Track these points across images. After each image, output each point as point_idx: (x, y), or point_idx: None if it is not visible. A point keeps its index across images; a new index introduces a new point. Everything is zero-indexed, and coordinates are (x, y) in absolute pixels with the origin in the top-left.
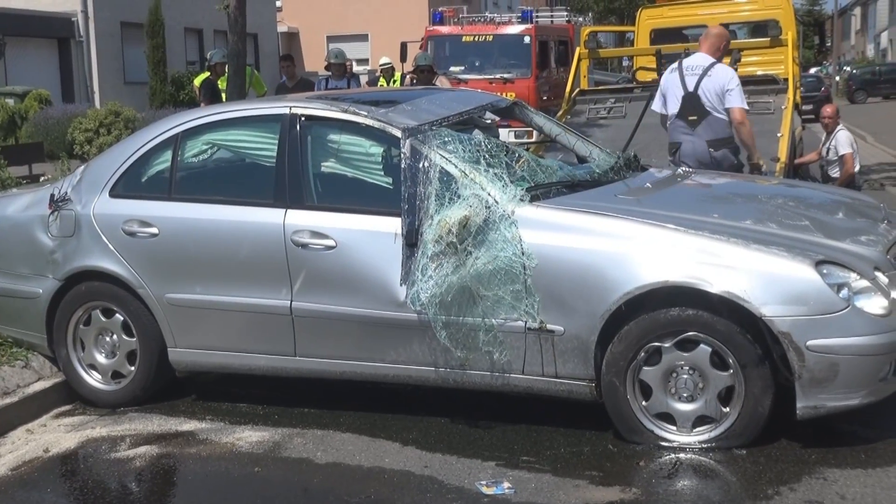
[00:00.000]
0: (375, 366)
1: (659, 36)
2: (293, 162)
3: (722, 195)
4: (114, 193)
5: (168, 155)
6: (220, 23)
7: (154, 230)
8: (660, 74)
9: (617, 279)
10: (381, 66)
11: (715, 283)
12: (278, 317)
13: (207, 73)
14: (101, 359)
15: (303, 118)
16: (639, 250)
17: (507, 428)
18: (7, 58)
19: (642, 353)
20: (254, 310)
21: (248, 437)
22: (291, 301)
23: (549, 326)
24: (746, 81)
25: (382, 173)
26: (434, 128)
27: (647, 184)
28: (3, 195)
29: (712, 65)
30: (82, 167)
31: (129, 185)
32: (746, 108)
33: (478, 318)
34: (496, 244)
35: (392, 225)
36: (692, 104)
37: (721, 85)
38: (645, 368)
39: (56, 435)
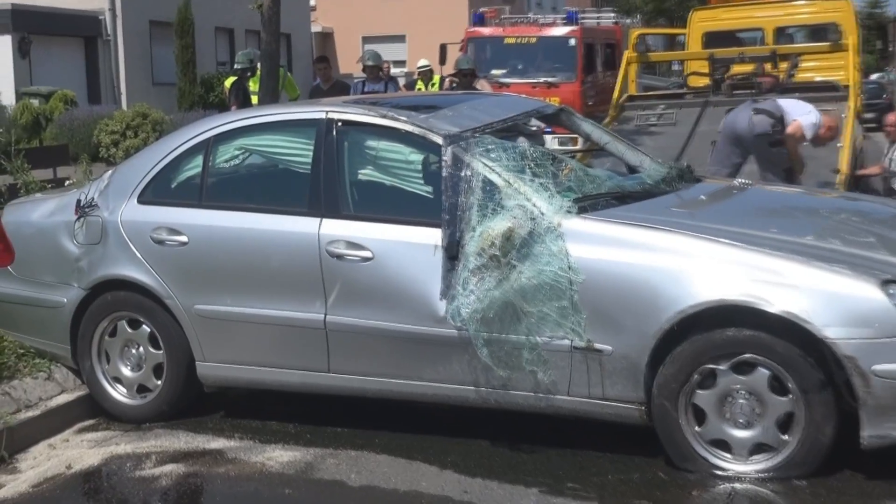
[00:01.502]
0: (413, 384)
1: (712, 39)
2: (329, 169)
3: (781, 209)
4: (142, 200)
5: (199, 160)
6: (252, 22)
7: (183, 238)
8: (712, 79)
9: (669, 297)
10: (419, 68)
11: (774, 303)
12: (311, 331)
13: (236, 76)
14: (126, 372)
15: (339, 123)
16: (693, 266)
17: (551, 452)
18: (32, 57)
19: (696, 376)
20: (286, 323)
21: (279, 456)
22: (325, 314)
23: (597, 345)
24: (805, 88)
25: (422, 182)
26: (477, 135)
27: (702, 196)
28: (27, 200)
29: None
30: (110, 172)
31: (159, 191)
32: (807, 136)
33: (521, 335)
34: (541, 258)
35: (432, 236)
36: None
37: (807, 107)
38: (699, 392)
39: (79, 451)
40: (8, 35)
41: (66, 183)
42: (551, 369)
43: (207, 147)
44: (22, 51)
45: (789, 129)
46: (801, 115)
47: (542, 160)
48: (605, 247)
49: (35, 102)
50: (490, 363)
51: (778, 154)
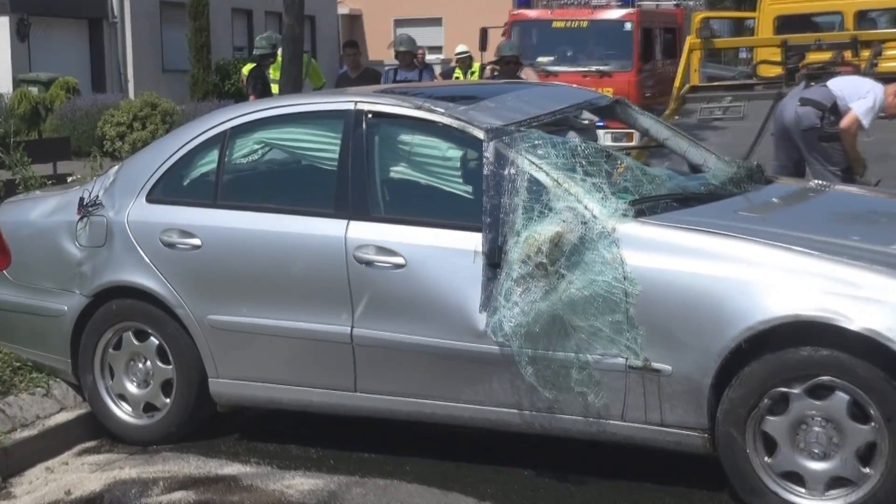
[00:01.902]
0: (448, 406)
1: (785, 24)
2: (358, 166)
3: (863, 214)
4: (151, 198)
5: (214, 155)
6: (273, 3)
7: (196, 241)
8: (785, 68)
9: (737, 311)
10: (457, 55)
11: (855, 319)
12: (337, 345)
13: (255, 63)
14: (132, 388)
15: (370, 115)
16: (763, 278)
17: (602, 484)
18: (31, 40)
19: (766, 400)
20: (309, 336)
21: (300, 484)
22: (352, 327)
23: (655, 365)
24: (888, 79)
25: (461, 181)
26: (522, 129)
27: (774, 199)
28: (25, 198)
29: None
30: (116, 167)
31: (170, 188)
32: (864, 125)
33: (570, 352)
34: (593, 266)
35: (471, 241)
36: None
37: (863, 87)
38: (769, 418)
39: (79, 475)
40: (5, 16)
41: (69, 179)
42: (603, 391)
43: (223, 141)
44: (20, 34)
45: (843, 123)
46: (855, 100)
47: (594, 157)
48: (664, 255)
49: (34, 90)
50: (535, 383)
51: (831, 151)
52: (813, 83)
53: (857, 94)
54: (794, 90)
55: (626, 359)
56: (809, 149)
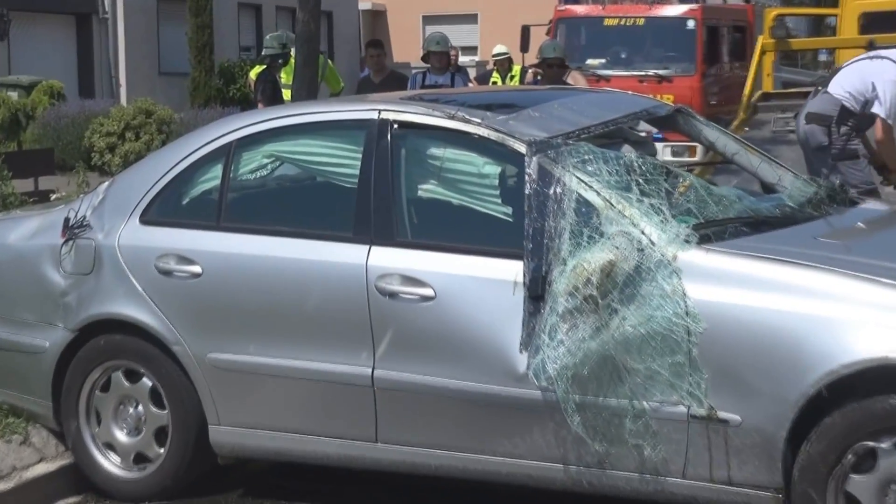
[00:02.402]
0: (483, 459)
1: (872, 21)
2: (381, 183)
3: None
4: (146, 220)
5: (217, 171)
6: None
7: (196, 269)
8: None
9: (817, 353)
10: (494, 56)
11: None
12: (356, 388)
13: (264, 65)
14: (121, 436)
15: (395, 126)
16: (847, 314)
17: None
18: (11, 39)
19: (850, 456)
20: (323, 378)
21: None
22: (373, 368)
23: (722, 414)
24: None
25: (499, 201)
26: (570, 142)
27: (859, 223)
28: (3, 217)
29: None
30: (106, 184)
31: (166, 209)
32: (890, 122)
33: (624, 399)
34: (651, 300)
35: (511, 270)
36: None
37: (866, 82)
38: (853, 477)
39: None
40: None
41: (52, 197)
42: (662, 444)
43: (228, 154)
44: None
45: (877, 136)
46: (863, 101)
47: (652, 175)
48: (733, 287)
49: (14, 95)
50: (583, 434)
51: (847, 170)
52: (821, 88)
53: (864, 93)
54: (808, 100)
55: (689, 407)
56: (829, 170)
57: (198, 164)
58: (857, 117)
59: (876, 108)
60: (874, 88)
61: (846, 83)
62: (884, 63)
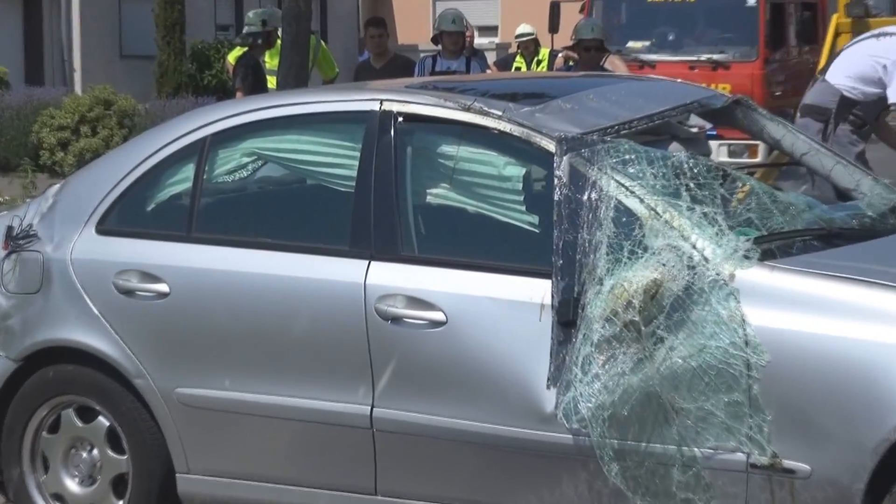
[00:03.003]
0: None
1: None
2: (383, 187)
3: None
4: (103, 229)
5: (188, 172)
6: None
7: (163, 287)
8: None
9: None
10: (518, 38)
11: None
12: (351, 431)
13: (245, 47)
14: (72, 486)
15: (400, 119)
16: None
17: None
18: None
19: None
20: (313, 419)
21: None
22: (372, 407)
23: (787, 463)
24: None
25: (523, 209)
26: (608, 139)
27: None
28: None
29: None
30: (57, 187)
31: (128, 216)
32: None
33: (671, 445)
34: (704, 327)
35: (536, 291)
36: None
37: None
38: None
39: None
40: None
41: None
42: (716, 498)
43: (202, 152)
44: None
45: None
46: (883, 84)
47: (706, 178)
48: (802, 312)
49: None
50: (622, 486)
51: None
52: (819, 76)
53: (870, 79)
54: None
55: (748, 454)
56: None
57: (165, 164)
58: (863, 107)
59: (892, 95)
60: (886, 71)
61: (848, 69)
62: (894, 41)
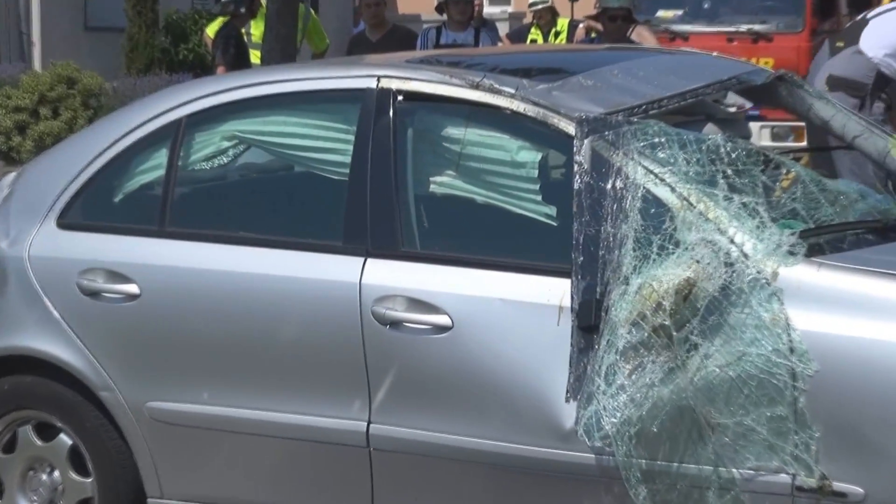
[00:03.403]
0: None
1: None
2: (380, 175)
3: None
4: (65, 223)
5: (161, 158)
6: None
7: (133, 288)
8: None
9: None
10: (532, 6)
11: None
12: (345, 449)
13: (226, 17)
14: None
15: (400, 97)
16: None
17: None
18: None
19: None
20: (303, 436)
21: None
22: (369, 422)
23: (838, 486)
24: None
25: (539, 199)
26: (635, 119)
27: None
28: None
29: None
30: (13, 176)
31: (93, 209)
32: None
33: (706, 465)
34: (743, 332)
35: (554, 292)
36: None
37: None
38: None
39: None
40: None
41: None
42: None
43: (176, 135)
44: None
45: None
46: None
47: (745, 164)
48: (853, 316)
49: None
50: None
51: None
52: (841, 43)
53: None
54: (819, 56)
55: (794, 476)
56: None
57: (135, 149)
58: (893, 86)
59: None
60: None
61: (883, 39)
62: None
